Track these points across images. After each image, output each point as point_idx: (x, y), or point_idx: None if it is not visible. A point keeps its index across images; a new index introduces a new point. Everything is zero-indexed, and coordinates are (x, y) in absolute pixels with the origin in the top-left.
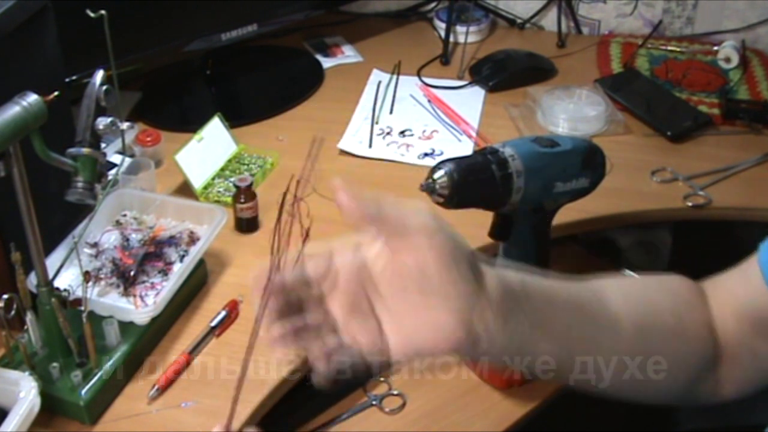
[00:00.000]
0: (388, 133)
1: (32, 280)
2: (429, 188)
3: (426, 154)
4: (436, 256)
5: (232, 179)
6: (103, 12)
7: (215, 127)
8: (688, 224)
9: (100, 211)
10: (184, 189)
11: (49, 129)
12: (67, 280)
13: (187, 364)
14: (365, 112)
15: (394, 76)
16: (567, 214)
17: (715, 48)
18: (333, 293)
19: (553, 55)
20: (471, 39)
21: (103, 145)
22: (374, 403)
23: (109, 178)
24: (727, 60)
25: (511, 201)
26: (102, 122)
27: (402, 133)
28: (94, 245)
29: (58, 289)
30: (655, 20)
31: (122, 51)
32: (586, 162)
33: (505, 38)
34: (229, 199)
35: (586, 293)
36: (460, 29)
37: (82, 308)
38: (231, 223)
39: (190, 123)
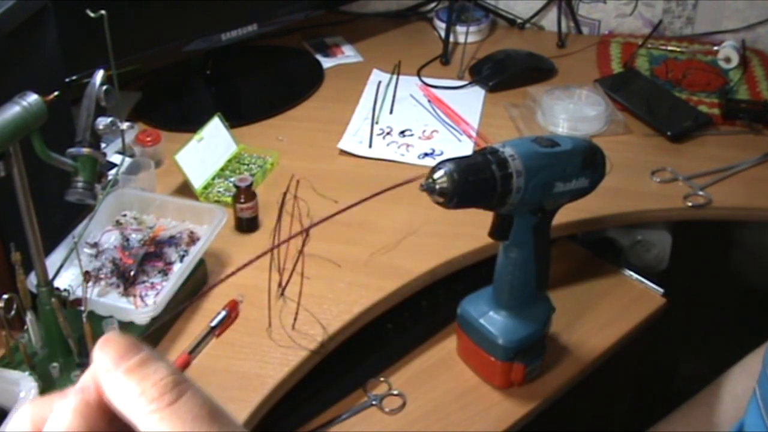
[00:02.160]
0: (388, 133)
1: (32, 280)
2: (429, 188)
3: (426, 154)
4: None
5: (232, 179)
6: (103, 12)
7: (215, 127)
8: (688, 224)
9: (100, 211)
10: (184, 189)
11: (49, 129)
12: (67, 280)
13: (187, 364)
14: (365, 112)
15: (394, 76)
16: (567, 214)
17: (715, 48)
18: None
19: (553, 55)
20: (471, 39)
21: (103, 145)
22: (374, 403)
23: (109, 178)
24: (727, 60)
25: (511, 201)
26: (102, 122)
27: (402, 133)
28: (94, 245)
29: (58, 289)
30: (655, 20)
31: (122, 51)
32: (586, 162)
33: (505, 38)
34: (229, 199)
35: None
36: (460, 29)
37: (82, 308)
38: (231, 223)
39: (190, 123)
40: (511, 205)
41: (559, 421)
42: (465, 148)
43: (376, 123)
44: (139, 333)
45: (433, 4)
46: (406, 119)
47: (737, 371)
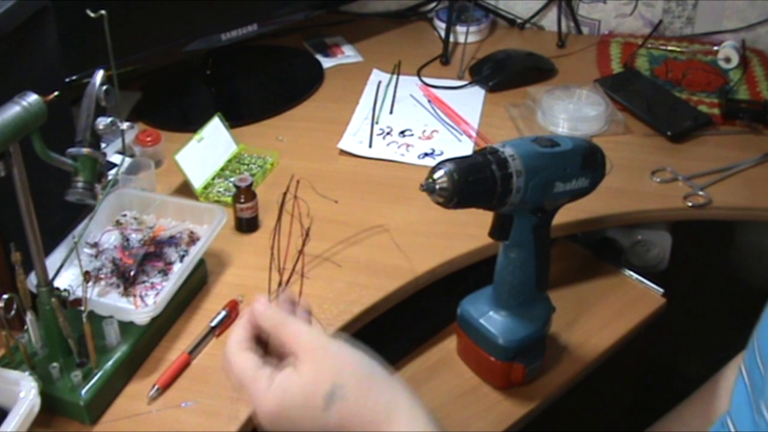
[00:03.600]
0: (388, 133)
1: (32, 280)
2: (429, 188)
3: (426, 154)
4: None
5: (232, 179)
6: (103, 12)
7: (215, 127)
8: (688, 224)
9: (100, 211)
10: (184, 189)
11: (49, 129)
12: (67, 280)
13: (187, 364)
14: (365, 112)
15: (394, 76)
16: (567, 214)
17: (715, 48)
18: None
19: (553, 55)
20: (471, 39)
21: (103, 145)
22: None
23: (109, 178)
24: (727, 60)
25: (511, 201)
26: (102, 122)
27: (402, 133)
28: (94, 245)
29: (58, 289)
30: (655, 20)
31: (122, 51)
32: (586, 162)
33: (505, 38)
34: (229, 199)
35: None
36: (460, 29)
37: (82, 308)
38: (231, 223)
39: (190, 123)
40: (511, 205)
41: (559, 421)
42: (465, 148)
43: (376, 123)
44: (139, 333)
45: (433, 4)
46: (406, 119)
47: (731, 367)
